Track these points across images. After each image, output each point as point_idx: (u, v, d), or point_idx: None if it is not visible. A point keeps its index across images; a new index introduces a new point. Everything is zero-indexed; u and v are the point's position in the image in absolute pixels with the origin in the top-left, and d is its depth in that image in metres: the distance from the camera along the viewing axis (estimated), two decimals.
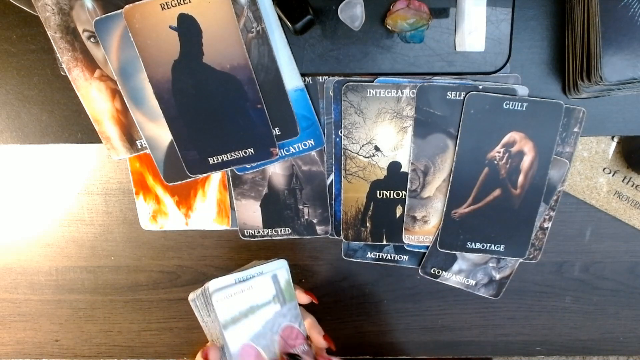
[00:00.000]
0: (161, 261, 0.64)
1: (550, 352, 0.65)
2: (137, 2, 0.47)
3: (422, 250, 0.59)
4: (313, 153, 0.55)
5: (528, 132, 0.52)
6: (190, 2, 0.47)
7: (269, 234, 0.59)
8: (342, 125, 0.54)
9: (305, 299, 0.55)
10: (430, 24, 0.50)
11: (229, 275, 0.53)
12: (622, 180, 0.59)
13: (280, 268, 0.54)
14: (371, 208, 0.57)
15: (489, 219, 0.54)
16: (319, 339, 0.54)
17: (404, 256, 0.60)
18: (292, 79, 0.52)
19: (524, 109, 0.52)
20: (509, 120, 0.52)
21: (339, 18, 0.50)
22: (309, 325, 0.55)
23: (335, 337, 0.56)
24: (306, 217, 0.58)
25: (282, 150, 0.54)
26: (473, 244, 0.55)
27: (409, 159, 0.55)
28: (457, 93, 0.52)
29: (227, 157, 0.52)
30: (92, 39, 0.50)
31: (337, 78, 0.53)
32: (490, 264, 0.59)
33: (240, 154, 0.52)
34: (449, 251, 0.57)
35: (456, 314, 0.64)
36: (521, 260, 0.58)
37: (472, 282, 0.60)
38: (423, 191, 0.56)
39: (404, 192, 0.56)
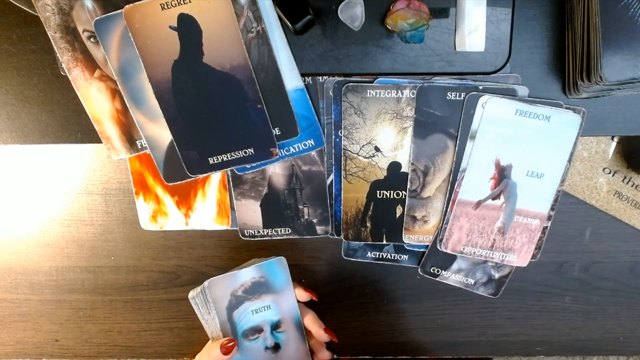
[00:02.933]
0: (161, 261, 0.64)
1: (550, 352, 0.65)
2: (137, 2, 0.47)
3: (422, 250, 0.59)
4: (313, 153, 0.55)
5: None
6: (190, 2, 0.47)
7: (269, 234, 0.59)
8: (342, 126, 0.54)
9: (305, 296, 0.56)
10: (430, 24, 0.50)
11: (228, 273, 0.53)
12: (622, 180, 0.59)
13: (278, 266, 0.54)
14: (371, 208, 0.57)
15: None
16: (320, 333, 0.54)
17: (404, 256, 0.60)
18: (292, 79, 0.52)
19: None
20: None
21: (339, 18, 0.50)
22: (310, 320, 0.55)
23: (336, 337, 0.56)
24: (306, 217, 0.58)
25: (282, 150, 0.54)
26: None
27: (409, 159, 0.55)
28: (457, 93, 0.52)
29: (227, 157, 0.52)
30: (92, 39, 0.50)
31: (337, 78, 0.53)
32: (490, 263, 0.59)
33: (240, 154, 0.52)
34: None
35: (456, 314, 0.64)
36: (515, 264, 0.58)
37: (471, 281, 0.60)
38: (423, 191, 0.56)
39: (404, 192, 0.56)
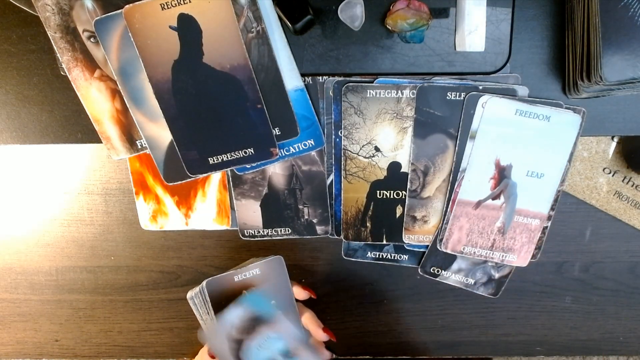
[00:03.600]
0: (161, 261, 0.64)
1: (550, 352, 0.65)
2: (137, 2, 0.47)
3: (422, 250, 0.59)
4: (313, 153, 0.55)
5: None
6: (190, 2, 0.47)
7: (269, 234, 0.59)
8: (342, 126, 0.54)
9: (303, 294, 0.56)
10: (430, 24, 0.50)
11: (226, 274, 0.53)
12: (622, 180, 0.59)
13: (276, 265, 0.54)
14: (371, 208, 0.57)
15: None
16: (319, 332, 0.54)
17: (404, 255, 0.60)
18: (292, 79, 0.52)
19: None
20: None
21: (339, 18, 0.50)
22: (308, 319, 0.55)
23: (335, 336, 0.56)
24: (306, 217, 0.58)
25: (282, 150, 0.54)
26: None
27: (409, 159, 0.55)
28: (457, 93, 0.52)
29: (227, 157, 0.52)
30: (92, 39, 0.50)
31: (337, 78, 0.53)
32: (490, 263, 0.59)
33: (240, 154, 0.52)
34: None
35: (456, 314, 0.64)
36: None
37: (471, 280, 0.60)
38: (423, 191, 0.56)
39: (404, 192, 0.56)
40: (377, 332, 0.65)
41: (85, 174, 0.62)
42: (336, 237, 0.59)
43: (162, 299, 0.65)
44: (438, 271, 0.60)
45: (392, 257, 0.60)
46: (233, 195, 0.58)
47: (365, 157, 0.55)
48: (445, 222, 0.56)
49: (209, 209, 0.59)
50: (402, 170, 0.55)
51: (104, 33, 0.49)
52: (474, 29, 0.50)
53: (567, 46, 0.51)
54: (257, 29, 0.49)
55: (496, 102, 0.52)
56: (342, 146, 0.55)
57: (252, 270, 0.54)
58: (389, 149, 0.55)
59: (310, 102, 0.53)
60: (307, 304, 0.57)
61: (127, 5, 0.47)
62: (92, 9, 0.49)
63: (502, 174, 0.54)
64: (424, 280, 0.62)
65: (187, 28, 0.48)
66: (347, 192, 0.57)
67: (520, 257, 0.57)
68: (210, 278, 0.53)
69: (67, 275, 0.65)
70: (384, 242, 0.59)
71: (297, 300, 0.56)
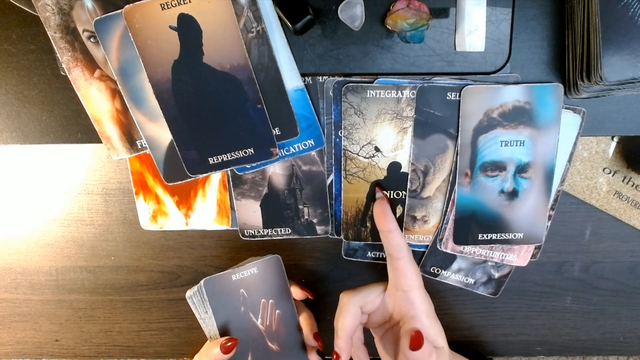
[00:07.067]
0: (161, 261, 0.64)
1: (550, 352, 0.65)
2: (137, 2, 0.47)
3: (422, 250, 0.59)
4: (313, 153, 0.55)
5: None
6: (190, 2, 0.47)
7: (269, 234, 0.59)
8: (342, 126, 0.54)
9: (300, 294, 0.56)
10: (430, 24, 0.50)
11: (224, 273, 0.54)
12: (622, 180, 0.59)
13: (274, 264, 0.54)
14: (371, 208, 0.57)
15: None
16: (309, 337, 0.54)
17: None
18: (292, 79, 0.52)
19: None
20: None
21: (339, 18, 0.50)
22: (304, 320, 0.55)
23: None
24: (306, 217, 0.58)
25: (282, 150, 0.54)
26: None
27: (409, 160, 0.55)
28: (457, 93, 0.52)
29: (227, 157, 0.52)
30: (92, 39, 0.50)
31: (337, 78, 0.53)
32: (490, 263, 0.59)
33: (240, 154, 0.52)
34: None
35: (456, 313, 0.64)
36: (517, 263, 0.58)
37: (471, 280, 0.60)
38: (423, 191, 0.56)
39: (404, 192, 0.56)
40: None
41: (85, 174, 0.62)
42: (336, 237, 0.59)
43: (162, 299, 0.65)
44: (438, 271, 0.60)
45: None
46: (233, 195, 0.58)
47: (365, 157, 0.55)
48: (445, 222, 0.56)
49: (209, 209, 0.59)
50: (402, 170, 0.55)
51: (104, 33, 0.49)
52: (474, 29, 0.50)
53: (567, 46, 0.51)
54: (257, 29, 0.50)
55: None
56: (342, 146, 0.55)
57: (249, 269, 0.54)
58: (389, 149, 0.55)
59: (310, 102, 0.53)
60: (308, 304, 0.58)
61: (127, 5, 0.47)
62: (92, 9, 0.49)
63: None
64: (424, 280, 0.62)
65: (187, 28, 0.48)
66: (347, 192, 0.57)
67: (520, 256, 0.57)
68: (208, 277, 0.53)
69: (67, 275, 0.65)
70: None
71: (294, 299, 0.56)
